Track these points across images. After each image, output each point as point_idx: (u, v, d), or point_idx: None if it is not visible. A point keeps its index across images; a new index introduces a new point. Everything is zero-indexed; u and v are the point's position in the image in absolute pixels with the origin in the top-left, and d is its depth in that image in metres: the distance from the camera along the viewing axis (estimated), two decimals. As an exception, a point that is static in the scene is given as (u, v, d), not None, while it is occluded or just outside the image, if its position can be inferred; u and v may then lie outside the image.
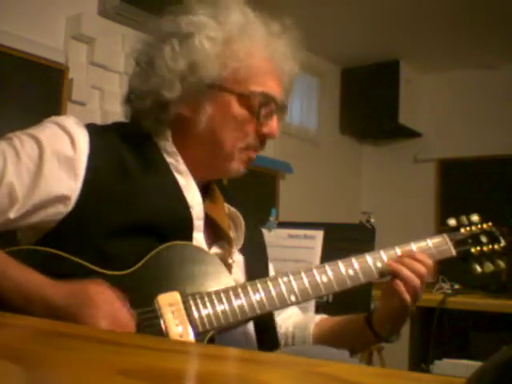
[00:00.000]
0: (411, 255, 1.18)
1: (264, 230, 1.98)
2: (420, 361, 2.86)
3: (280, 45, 1.14)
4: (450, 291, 2.98)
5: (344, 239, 1.99)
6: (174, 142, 1.13)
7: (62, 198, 1.00)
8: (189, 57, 1.08)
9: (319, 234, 1.99)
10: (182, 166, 1.12)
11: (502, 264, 1.29)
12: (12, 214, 0.98)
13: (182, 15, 1.13)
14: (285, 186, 4.28)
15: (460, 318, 3.01)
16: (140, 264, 1.01)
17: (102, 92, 3.05)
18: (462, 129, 4.75)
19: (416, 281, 1.15)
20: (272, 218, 2.11)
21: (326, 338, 1.24)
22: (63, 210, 1.01)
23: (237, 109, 1.11)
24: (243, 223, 1.22)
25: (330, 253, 1.95)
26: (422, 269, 1.16)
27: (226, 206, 1.24)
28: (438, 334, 2.80)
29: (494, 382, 0.38)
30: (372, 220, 2.02)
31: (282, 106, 1.16)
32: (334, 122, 4.86)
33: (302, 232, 2.03)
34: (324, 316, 1.33)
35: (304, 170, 4.38)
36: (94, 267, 0.98)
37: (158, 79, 1.09)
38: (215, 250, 1.17)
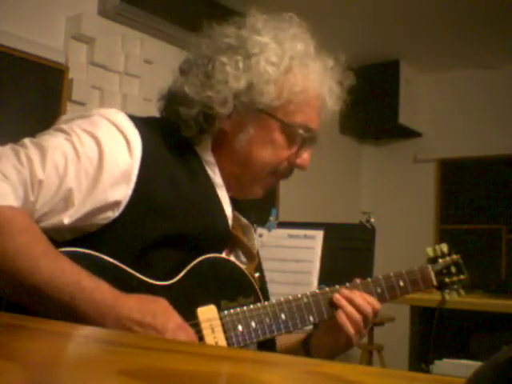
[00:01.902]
0: (360, 295, 1.23)
1: (264, 230, 1.99)
2: (420, 361, 2.85)
3: (331, 81, 1.16)
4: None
5: (344, 239, 1.99)
6: (212, 153, 1.14)
7: (113, 205, 0.99)
8: (249, 77, 1.08)
9: (319, 234, 1.99)
10: (218, 179, 1.14)
11: (462, 293, 1.43)
12: (66, 220, 0.96)
13: (245, 31, 1.12)
14: (285, 186, 4.28)
15: (460, 318, 3.01)
16: (181, 275, 1.04)
17: (101, 92, 3.05)
18: (462, 129, 4.75)
19: (357, 316, 1.19)
20: (272, 218, 2.11)
21: None
22: (111, 215, 1.00)
23: (278, 136, 1.13)
24: (254, 235, 1.25)
25: (330, 253, 1.95)
26: (366, 307, 1.21)
27: (237, 215, 1.24)
28: (437, 333, 2.80)
29: (494, 381, 0.38)
30: (372, 220, 2.02)
31: (316, 139, 1.19)
32: (333, 121, 4.85)
33: (302, 232, 2.03)
34: None
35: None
36: (140, 276, 0.99)
37: (213, 93, 1.08)
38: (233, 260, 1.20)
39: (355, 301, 1.20)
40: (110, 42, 3.09)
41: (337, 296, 1.21)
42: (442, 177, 4.90)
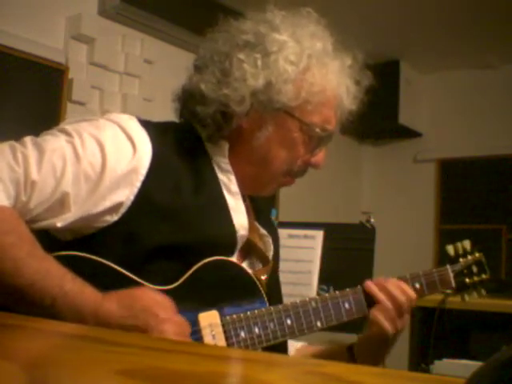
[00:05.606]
0: (395, 283, 1.20)
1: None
2: (420, 361, 2.86)
3: (348, 80, 1.15)
4: (449, 291, 2.96)
5: (344, 239, 2.00)
6: (229, 158, 1.11)
7: (112, 209, 0.98)
8: (268, 76, 1.06)
9: (319, 234, 1.99)
10: (234, 186, 1.11)
11: (483, 292, 1.36)
12: (60, 223, 0.95)
13: (263, 28, 1.10)
14: (285, 186, 4.27)
15: (460, 318, 3.01)
16: (182, 279, 1.02)
17: (101, 92, 3.05)
18: (461, 129, 4.74)
19: (390, 306, 1.17)
20: (272, 218, 2.11)
21: None
22: (109, 219, 0.98)
23: (296, 135, 1.11)
24: (272, 245, 1.22)
25: (330, 253, 1.95)
26: (400, 296, 1.18)
27: (256, 225, 1.22)
28: (437, 333, 2.80)
29: (494, 382, 0.38)
30: (372, 220, 2.02)
31: (332, 138, 1.17)
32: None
33: (302, 232, 2.03)
34: (305, 344, 1.34)
35: (304, 170, 4.36)
36: (139, 280, 0.97)
37: (230, 91, 1.06)
38: (245, 266, 1.17)
39: (388, 289, 1.18)
40: (110, 41, 3.09)
41: (368, 284, 1.19)
42: (442, 177, 4.89)
